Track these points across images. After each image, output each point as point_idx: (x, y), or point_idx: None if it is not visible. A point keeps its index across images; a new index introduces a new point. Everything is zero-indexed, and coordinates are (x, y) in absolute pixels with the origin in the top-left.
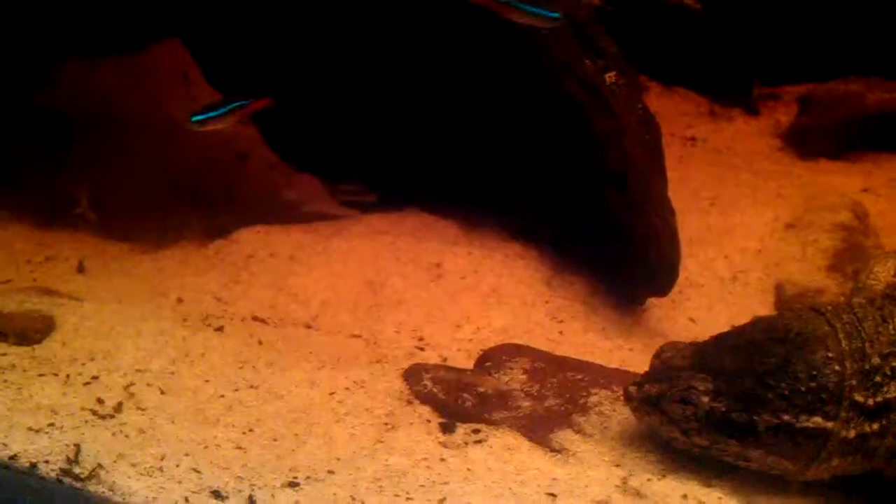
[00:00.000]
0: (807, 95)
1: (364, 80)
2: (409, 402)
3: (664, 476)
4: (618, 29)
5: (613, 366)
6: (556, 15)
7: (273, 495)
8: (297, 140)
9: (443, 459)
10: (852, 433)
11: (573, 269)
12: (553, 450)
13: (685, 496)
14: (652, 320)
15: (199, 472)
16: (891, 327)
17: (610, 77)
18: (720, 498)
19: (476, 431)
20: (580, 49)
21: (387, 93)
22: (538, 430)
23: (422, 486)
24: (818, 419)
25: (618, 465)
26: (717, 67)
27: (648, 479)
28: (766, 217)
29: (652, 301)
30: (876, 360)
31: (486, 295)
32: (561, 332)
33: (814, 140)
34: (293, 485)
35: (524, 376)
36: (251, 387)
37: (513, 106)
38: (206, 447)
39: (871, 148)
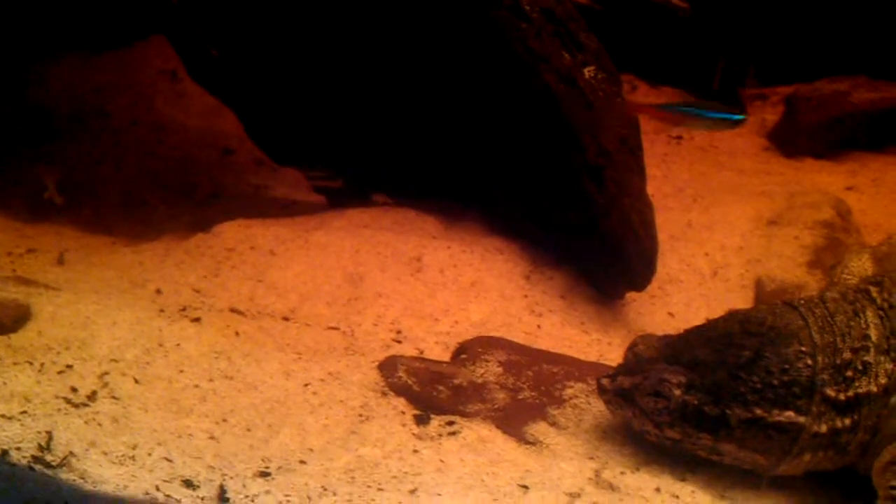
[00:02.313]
0: (792, 95)
1: (347, 75)
2: (384, 394)
3: (638, 469)
4: (606, 28)
5: (591, 359)
6: (740, 118)
7: (244, 485)
8: (281, 135)
9: (416, 451)
10: (824, 428)
11: (553, 263)
12: (527, 442)
13: (658, 489)
14: (631, 314)
15: (171, 460)
16: (862, 322)
17: (589, 71)
18: (693, 492)
19: (450, 423)
20: (559, 43)
21: (369, 87)
22: (512, 422)
23: (394, 477)
24: (790, 413)
25: (591, 458)
26: (704, 67)
27: (622, 472)
28: (748, 214)
29: (631, 295)
30: (847, 355)
31: (465, 288)
32: (539, 326)
33: (799, 139)
34: (265, 474)
35: (500, 369)
36: (226, 377)
37: (492, 99)
38: (179, 436)
39: (857, 147)
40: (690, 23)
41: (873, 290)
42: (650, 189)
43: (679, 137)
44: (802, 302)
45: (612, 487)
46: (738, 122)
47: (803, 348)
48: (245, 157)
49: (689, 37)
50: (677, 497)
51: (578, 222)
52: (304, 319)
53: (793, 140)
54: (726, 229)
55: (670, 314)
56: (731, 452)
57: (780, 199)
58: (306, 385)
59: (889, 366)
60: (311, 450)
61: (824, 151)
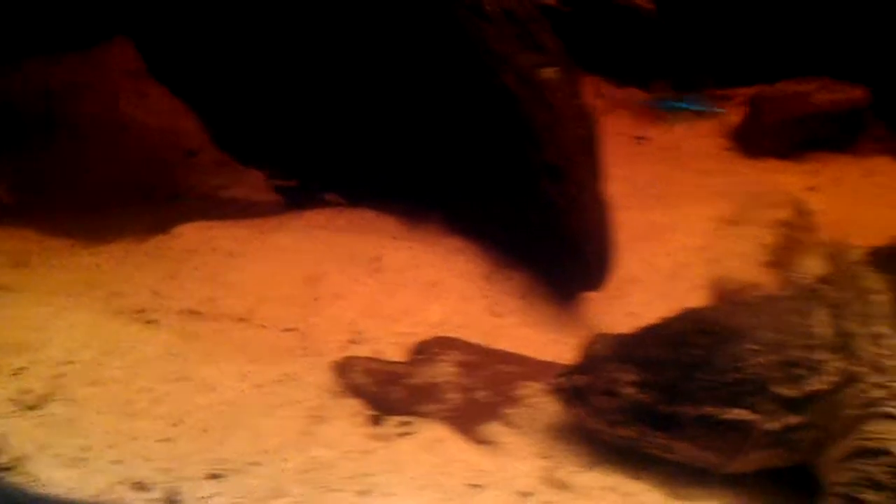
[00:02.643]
0: (756, 96)
1: (310, 74)
2: (339, 395)
3: (591, 468)
4: (572, 29)
5: (548, 359)
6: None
7: (196, 486)
8: (244, 135)
9: (369, 451)
10: (775, 426)
11: (513, 263)
12: (481, 442)
13: (611, 488)
14: (590, 314)
15: (123, 463)
16: (812, 320)
17: (549, 72)
18: (646, 490)
19: (405, 424)
20: (519, 43)
21: (331, 87)
22: (467, 422)
23: (347, 477)
24: (741, 411)
25: (545, 457)
26: (670, 68)
27: (575, 471)
28: (709, 214)
29: (591, 295)
30: (797, 353)
31: (425, 289)
32: (498, 326)
33: (761, 139)
34: (216, 476)
35: (455, 369)
36: (181, 379)
37: (453, 100)
38: (132, 439)
39: (819, 147)
40: (656, 24)
41: (825, 289)
42: (613, 189)
43: (642, 138)
44: (755, 301)
45: (564, 486)
46: (718, 113)
47: (754, 347)
48: (208, 159)
49: (655, 38)
50: (630, 495)
51: (538, 222)
52: (262, 321)
53: (756, 141)
54: (687, 229)
55: (630, 314)
56: (683, 450)
57: (739, 199)
58: (262, 386)
59: (839, 364)
60: (265, 451)
61: (787, 152)
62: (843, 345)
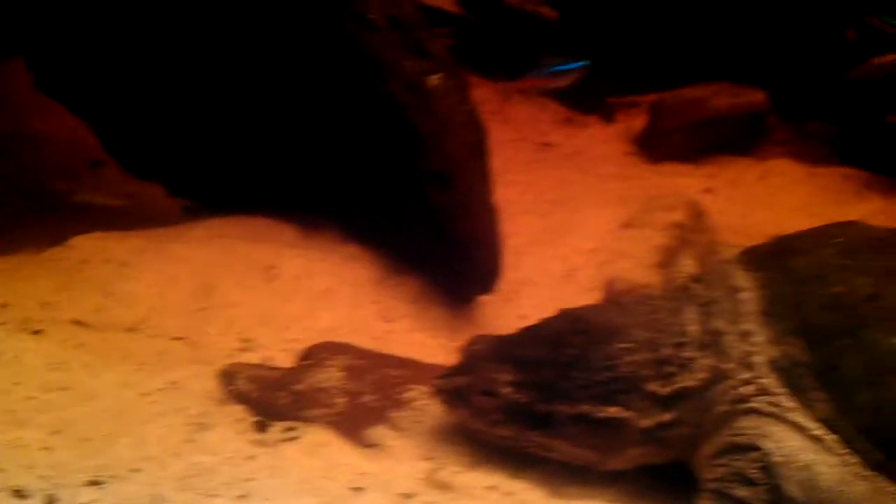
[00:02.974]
0: (655, 102)
1: (200, 87)
2: (224, 402)
3: (473, 468)
4: (478, 37)
5: (438, 362)
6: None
7: (75, 493)
8: (137, 148)
9: (251, 457)
10: (648, 423)
11: (406, 269)
12: (366, 445)
13: (492, 487)
14: (482, 317)
15: (4, 471)
16: (683, 318)
17: (435, 79)
18: (527, 488)
19: (290, 429)
20: (405, 51)
21: (224, 99)
22: (352, 426)
23: (226, 483)
24: (615, 409)
25: (429, 459)
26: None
27: (457, 472)
28: (604, 217)
29: (484, 298)
30: (667, 351)
31: (318, 296)
32: (389, 332)
33: (662, 144)
34: (96, 483)
35: (342, 374)
36: (64, 388)
37: (343, 109)
38: (13, 448)
39: (720, 151)
40: (559, 31)
41: (695, 288)
42: (512, 195)
43: (547, 144)
44: (629, 300)
45: (446, 487)
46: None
47: (626, 345)
48: (113, 170)
49: (557, 45)
50: (511, 494)
51: (428, 228)
52: (152, 330)
53: (656, 145)
54: (582, 233)
55: (521, 316)
56: (561, 449)
57: (635, 202)
58: (146, 395)
59: (707, 361)
60: (147, 458)
61: (687, 156)
62: (712, 342)
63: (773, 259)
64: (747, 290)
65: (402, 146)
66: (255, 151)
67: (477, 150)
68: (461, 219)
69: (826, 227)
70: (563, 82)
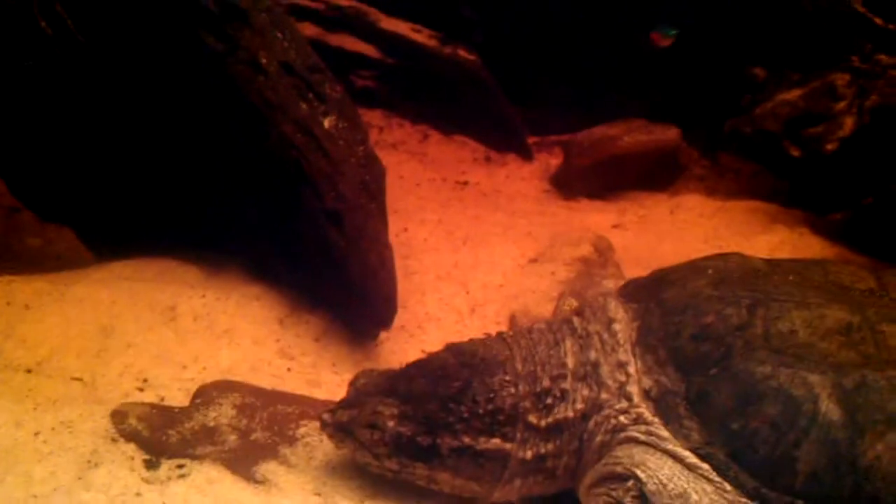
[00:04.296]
0: (568, 141)
1: (94, 133)
2: (114, 441)
3: (363, 502)
4: (400, 79)
5: (338, 399)
6: None
7: None
8: (44, 192)
9: (139, 494)
10: (529, 454)
11: (309, 307)
12: (256, 481)
13: None
14: (384, 353)
15: None
16: (562, 350)
17: (329, 121)
18: None
19: (180, 467)
20: (297, 94)
21: (117, 140)
22: (242, 462)
23: None
24: (497, 441)
25: (318, 494)
26: (492, 115)
27: None
28: (512, 253)
29: (386, 335)
30: (547, 383)
31: (218, 336)
32: (289, 369)
33: (574, 181)
34: None
35: (233, 411)
36: None
37: (240, 151)
38: None
39: (634, 187)
40: (479, 75)
41: (575, 320)
42: (424, 233)
43: (465, 182)
44: (511, 334)
45: None
46: None
47: (507, 377)
48: (30, 216)
49: (478, 87)
50: None
51: (325, 266)
52: (51, 371)
53: (569, 183)
54: (489, 268)
55: (424, 351)
56: (447, 481)
57: (544, 238)
58: (37, 434)
59: (585, 392)
60: (35, 496)
61: (598, 192)
62: (589, 373)
63: (648, 291)
64: (623, 322)
65: (295, 186)
66: (156, 194)
67: (371, 190)
68: (354, 256)
69: (702, 258)
70: None
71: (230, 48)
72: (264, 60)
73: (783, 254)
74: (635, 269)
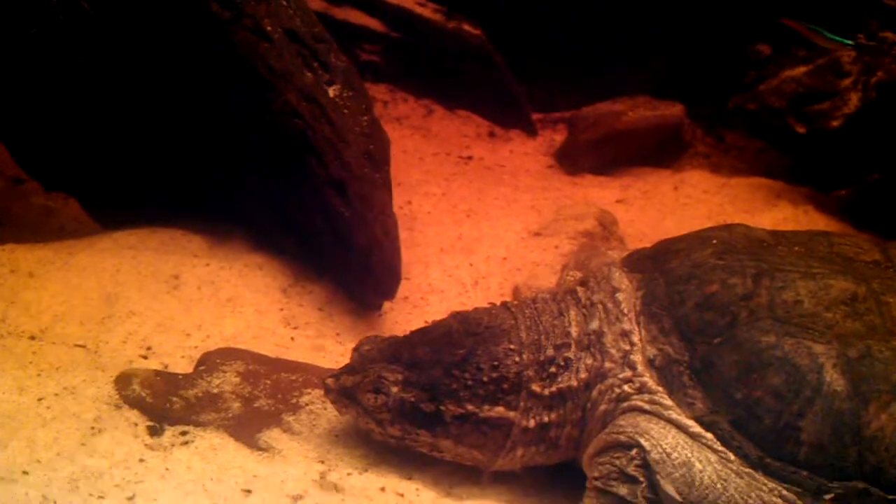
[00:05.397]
0: (572, 116)
1: (99, 101)
2: (118, 407)
3: (366, 469)
4: (404, 53)
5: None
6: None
7: None
8: (49, 162)
9: (142, 460)
10: (532, 422)
11: (313, 276)
12: (259, 448)
13: (383, 488)
14: (387, 323)
15: None
16: (566, 320)
17: (333, 90)
18: (418, 489)
19: (183, 433)
20: (302, 63)
21: (122, 107)
22: (246, 430)
23: (116, 485)
24: (500, 409)
25: (321, 461)
26: (497, 91)
27: (349, 473)
28: (515, 227)
29: (390, 305)
30: (550, 352)
31: (221, 304)
32: (293, 338)
33: (578, 157)
34: None
35: (237, 379)
36: None
37: (245, 120)
38: None
39: (639, 163)
40: (484, 49)
41: (579, 291)
42: (428, 206)
43: (469, 157)
44: (516, 303)
45: (336, 488)
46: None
47: (511, 346)
48: (34, 186)
49: (483, 62)
50: (402, 495)
51: (331, 236)
52: (54, 338)
53: (573, 158)
54: (493, 241)
55: (427, 322)
56: (449, 449)
57: (548, 212)
58: (40, 399)
59: (589, 361)
60: (38, 461)
61: (603, 167)
62: (593, 343)
63: (653, 261)
64: (627, 291)
65: (300, 155)
66: (160, 162)
67: (376, 160)
68: (358, 226)
69: (706, 229)
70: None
71: (235, 14)
72: (269, 28)
73: (786, 229)
74: (638, 244)
